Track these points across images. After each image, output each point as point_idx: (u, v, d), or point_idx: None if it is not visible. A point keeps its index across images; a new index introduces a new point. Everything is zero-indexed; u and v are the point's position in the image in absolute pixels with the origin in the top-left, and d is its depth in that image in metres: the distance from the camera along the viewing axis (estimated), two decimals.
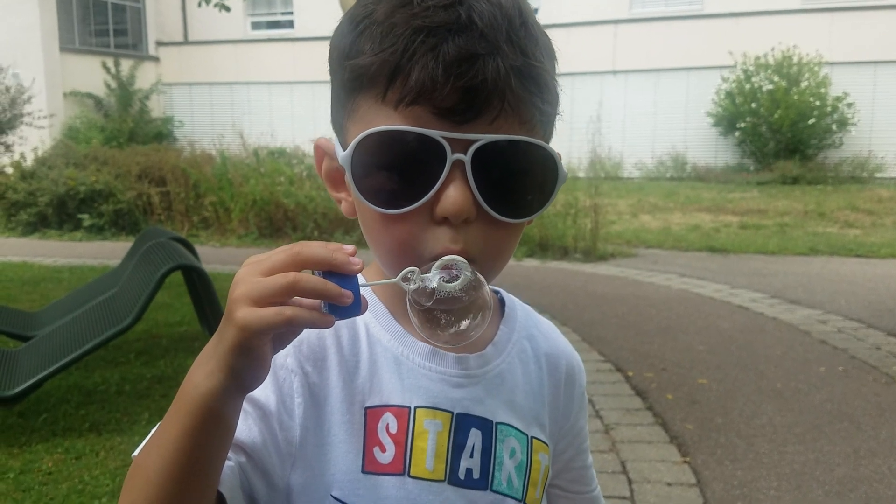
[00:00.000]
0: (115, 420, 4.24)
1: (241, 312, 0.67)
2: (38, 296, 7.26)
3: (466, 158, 0.77)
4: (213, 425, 0.71)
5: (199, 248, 6.18)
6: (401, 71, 0.76)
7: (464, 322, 0.82)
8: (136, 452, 0.80)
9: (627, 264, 9.35)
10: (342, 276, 0.69)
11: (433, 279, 0.76)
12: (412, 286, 0.76)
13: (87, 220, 11.50)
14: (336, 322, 0.70)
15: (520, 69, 0.77)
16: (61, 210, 11.67)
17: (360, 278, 0.71)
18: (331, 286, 0.68)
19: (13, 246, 10.85)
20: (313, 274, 0.69)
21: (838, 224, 12.13)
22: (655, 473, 3.79)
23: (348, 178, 0.81)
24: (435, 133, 0.76)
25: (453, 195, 0.77)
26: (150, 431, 0.84)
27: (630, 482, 3.70)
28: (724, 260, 9.68)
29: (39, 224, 11.82)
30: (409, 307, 0.78)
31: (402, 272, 0.76)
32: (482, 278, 0.78)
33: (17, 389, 3.81)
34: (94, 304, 4.83)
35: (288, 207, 11.16)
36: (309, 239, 10.13)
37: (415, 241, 0.81)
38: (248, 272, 0.69)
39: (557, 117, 0.86)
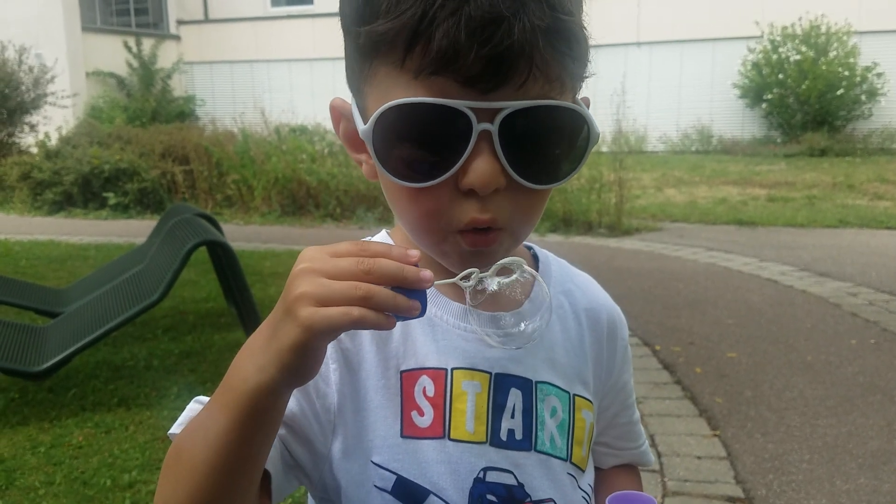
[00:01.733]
0: (144, 395, 4.27)
1: (306, 311, 0.64)
2: (65, 273, 7.33)
3: (493, 128, 0.73)
4: (263, 418, 0.69)
5: (223, 226, 6.20)
6: (420, 37, 0.70)
7: (522, 323, 0.83)
8: (173, 430, 0.79)
9: (653, 238, 9.26)
10: None
11: (493, 283, 0.75)
12: (470, 284, 0.75)
13: (112, 198, 11.58)
14: None
15: (548, 27, 0.71)
16: (86, 189, 11.75)
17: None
18: (401, 301, 0.66)
19: (40, 224, 10.96)
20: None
21: (868, 196, 11.92)
22: (685, 447, 3.76)
23: (371, 151, 0.77)
24: (460, 104, 0.71)
25: (481, 167, 0.74)
26: (178, 409, 0.82)
27: (659, 455, 3.67)
28: (752, 233, 9.55)
29: (65, 203, 11.92)
30: (468, 304, 0.78)
31: (463, 272, 0.75)
32: (538, 276, 0.77)
33: (46, 365, 3.85)
34: (121, 280, 4.85)
35: (310, 185, 11.16)
36: (332, 216, 10.01)
37: (441, 213, 0.78)
38: (311, 271, 0.66)
39: (588, 67, 0.80)
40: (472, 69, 0.70)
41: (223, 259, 5.02)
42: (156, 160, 12.01)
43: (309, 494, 0.91)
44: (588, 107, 0.83)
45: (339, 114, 0.86)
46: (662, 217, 10.67)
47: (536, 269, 0.98)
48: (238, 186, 11.64)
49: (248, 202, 11.60)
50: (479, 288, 0.75)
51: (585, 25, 0.78)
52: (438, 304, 0.89)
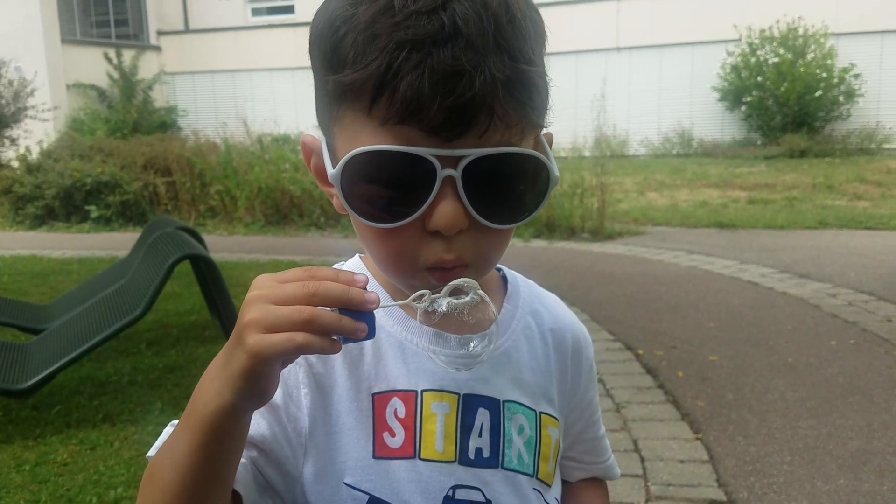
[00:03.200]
0: (129, 410, 4.26)
1: (253, 339, 0.68)
2: (47, 288, 7.29)
3: (457, 174, 0.76)
4: (224, 440, 0.73)
5: (206, 237, 6.19)
6: (386, 88, 0.74)
7: (470, 344, 0.87)
8: (150, 453, 0.82)
9: (635, 242, 9.33)
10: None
11: (443, 303, 0.78)
12: (422, 305, 0.78)
13: (94, 211, 11.54)
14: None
15: (508, 78, 0.75)
16: (68, 202, 11.71)
17: (372, 280, 0.71)
18: (346, 322, 0.69)
19: (21, 239, 10.89)
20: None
21: (847, 196, 12.06)
22: (668, 451, 3.80)
23: (339, 194, 0.80)
24: (424, 151, 0.75)
25: (445, 211, 0.77)
26: (163, 424, 0.86)
27: (643, 460, 3.71)
28: (733, 235, 9.65)
29: (47, 217, 11.87)
30: (420, 323, 0.81)
31: (415, 294, 0.78)
32: (487, 299, 0.80)
33: (29, 382, 3.84)
34: (103, 295, 4.84)
35: (294, 194, 11.16)
36: (316, 225, 9.98)
37: (408, 252, 0.81)
38: (260, 298, 0.70)
39: (549, 108, 0.84)
40: (436, 119, 0.74)
41: (206, 272, 5.02)
42: (138, 172, 11.99)
43: None
44: (550, 144, 0.87)
45: (309, 150, 0.90)
46: (644, 221, 10.75)
47: (505, 290, 1.01)
48: (221, 197, 11.63)
49: (231, 213, 11.59)
50: (430, 309, 0.78)
51: (547, 73, 0.81)
52: (409, 327, 0.91)
